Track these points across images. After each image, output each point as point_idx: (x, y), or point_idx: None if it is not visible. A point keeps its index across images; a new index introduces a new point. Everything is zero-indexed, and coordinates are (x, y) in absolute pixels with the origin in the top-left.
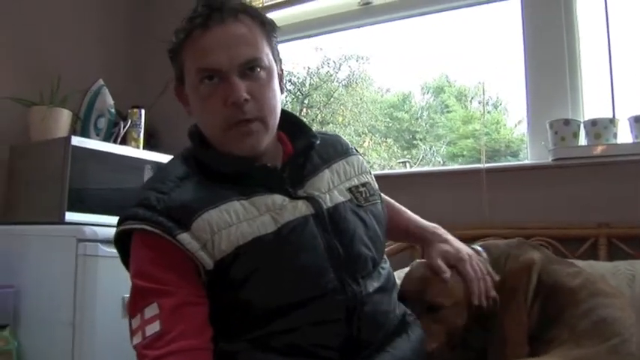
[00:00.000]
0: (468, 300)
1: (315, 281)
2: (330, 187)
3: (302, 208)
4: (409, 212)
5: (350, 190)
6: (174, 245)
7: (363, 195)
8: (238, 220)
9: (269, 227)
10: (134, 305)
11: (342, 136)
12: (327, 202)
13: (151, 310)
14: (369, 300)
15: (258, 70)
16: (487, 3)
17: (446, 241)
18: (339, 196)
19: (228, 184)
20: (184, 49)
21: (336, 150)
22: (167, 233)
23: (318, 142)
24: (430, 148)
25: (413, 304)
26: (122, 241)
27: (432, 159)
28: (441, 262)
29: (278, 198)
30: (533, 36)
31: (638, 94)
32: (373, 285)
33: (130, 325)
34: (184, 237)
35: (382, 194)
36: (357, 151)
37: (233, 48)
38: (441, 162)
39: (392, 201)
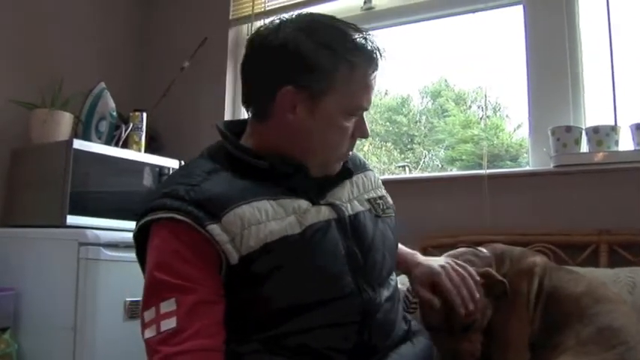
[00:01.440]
0: (486, 288)
1: (334, 284)
2: (351, 197)
3: (325, 212)
4: None
5: (369, 200)
6: (203, 236)
7: (381, 207)
8: (267, 219)
9: (295, 228)
10: (149, 298)
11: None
12: (349, 210)
13: (168, 305)
14: (380, 308)
15: None
16: (490, 9)
17: (418, 264)
18: (359, 206)
19: (257, 183)
20: (352, 76)
21: (355, 164)
22: (197, 223)
23: (353, 171)
24: (429, 152)
25: (437, 334)
26: (139, 236)
27: (430, 163)
28: (424, 292)
29: (303, 203)
30: (536, 43)
31: (639, 101)
32: (385, 294)
33: (143, 317)
34: (214, 228)
35: None
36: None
37: None
38: (440, 166)
39: None
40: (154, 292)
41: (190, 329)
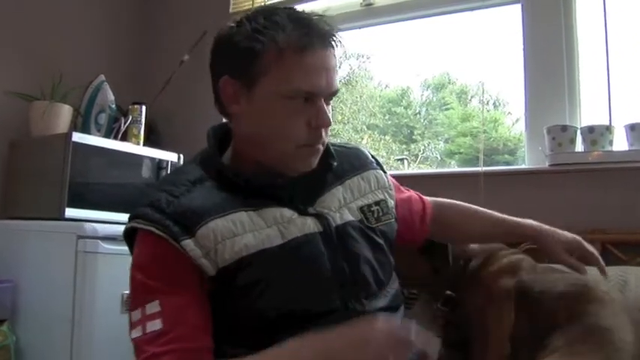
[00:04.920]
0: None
1: (318, 298)
2: (342, 204)
3: (310, 224)
4: (487, 211)
5: (361, 209)
6: (178, 250)
7: (375, 215)
8: (244, 231)
9: (275, 240)
10: (135, 299)
11: (364, 148)
12: (337, 220)
13: (153, 307)
14: None
15: (332, 99)
16: (488, 7)
17: (554, 232)
18: (350, 215)
19: (239, 193)
20: (282, 58)
21: (352, 165)
22: (172, 238)
23: (335, 164)
24: (428, 145)
25: None
26: (130, 235)
27: (429, 155)
28: (572, 259)
29: (287, 212)
30: (533, 42)
31: (634, 102)
32: (378, 305)
33: (130, 317)
34: (188, 243)
35: (447, 200)
36: (378, 164)
37: (330, 75)
38: (439, 159)
39: (462, 204)
40: (137, 294)
41: (174, 332)
